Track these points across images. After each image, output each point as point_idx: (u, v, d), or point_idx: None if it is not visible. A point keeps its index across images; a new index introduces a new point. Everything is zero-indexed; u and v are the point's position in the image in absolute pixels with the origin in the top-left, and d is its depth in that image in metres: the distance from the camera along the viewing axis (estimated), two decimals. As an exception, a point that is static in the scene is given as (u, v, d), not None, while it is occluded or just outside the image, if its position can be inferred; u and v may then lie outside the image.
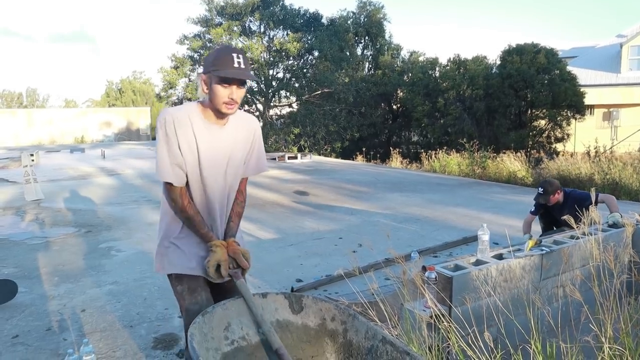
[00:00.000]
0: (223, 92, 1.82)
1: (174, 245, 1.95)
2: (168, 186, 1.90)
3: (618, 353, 1.99)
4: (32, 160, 8.63)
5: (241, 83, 1.84)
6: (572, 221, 2.47)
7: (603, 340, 1.90)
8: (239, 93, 1.85)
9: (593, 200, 4.06)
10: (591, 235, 2.98)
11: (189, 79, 22.04)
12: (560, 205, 4.27)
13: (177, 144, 1.86)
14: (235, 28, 20.48)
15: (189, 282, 1.93)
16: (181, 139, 1.86)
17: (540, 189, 4.32)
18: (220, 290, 2.00)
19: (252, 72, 1.90)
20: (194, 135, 1.89)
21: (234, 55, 1.82)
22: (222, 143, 1.95)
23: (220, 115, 1.90)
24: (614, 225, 3.56)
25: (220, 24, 20.69)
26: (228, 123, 1.97)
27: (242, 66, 1.82)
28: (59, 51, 75.14)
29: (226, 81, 1.81)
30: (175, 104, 22.69)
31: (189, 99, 21.52)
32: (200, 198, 1.95)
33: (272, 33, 21.55)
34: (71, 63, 74.57)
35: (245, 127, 2.04)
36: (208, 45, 20.91)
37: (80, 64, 75.46)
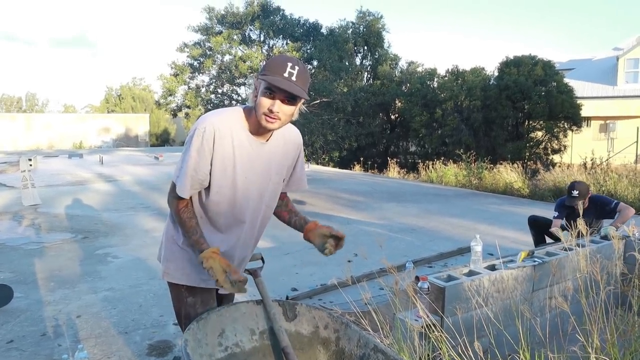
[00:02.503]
0: (264, 102, 1.59)
1: (185, 251, 1.81)
2: (175, 194, 1.72)
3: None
4: (30, 165, 8.64)
5: (289, 97, 1.59)
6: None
7: (590, 350, 1.94)
8: (283, 109, 1.61)
9: (613, 205, 4.09)
10: (583, 247, 3.02)
11: (189, 86, 22.11)
12: (585, 208, 4.03)
13: (209, 159, 1.66)
14: (235, 36, 20.63)
15: (202, 294, 1.84)
16: (217, 154, 1.66)
17: (575, 192, 4.10)
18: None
19: (305, 90, 1.63)
20: (233, 151, 1.68)
21: (289, 64, 1.58)
22: (264, 162, 1.76)
23: (262, 128, 1.66)
24: (605, 237, 3.61)
25: (220, 33, 20.85)
26: (272, 137, 1.76)
27: (294, 78, 1.57)
28: (59, 56, 75.67)
29: (270, 90, 1.58)
30: (174, 111, 22.71)
31: (188, 107, 21.57)
32: (227, 218, 1.78)
33: (271, 42, 21.72)
34: (71, 68, 75.03)
35: (291, 141, 1.85)
36: (208, 53, 21.03)
37: (80, 70, 75.91)
